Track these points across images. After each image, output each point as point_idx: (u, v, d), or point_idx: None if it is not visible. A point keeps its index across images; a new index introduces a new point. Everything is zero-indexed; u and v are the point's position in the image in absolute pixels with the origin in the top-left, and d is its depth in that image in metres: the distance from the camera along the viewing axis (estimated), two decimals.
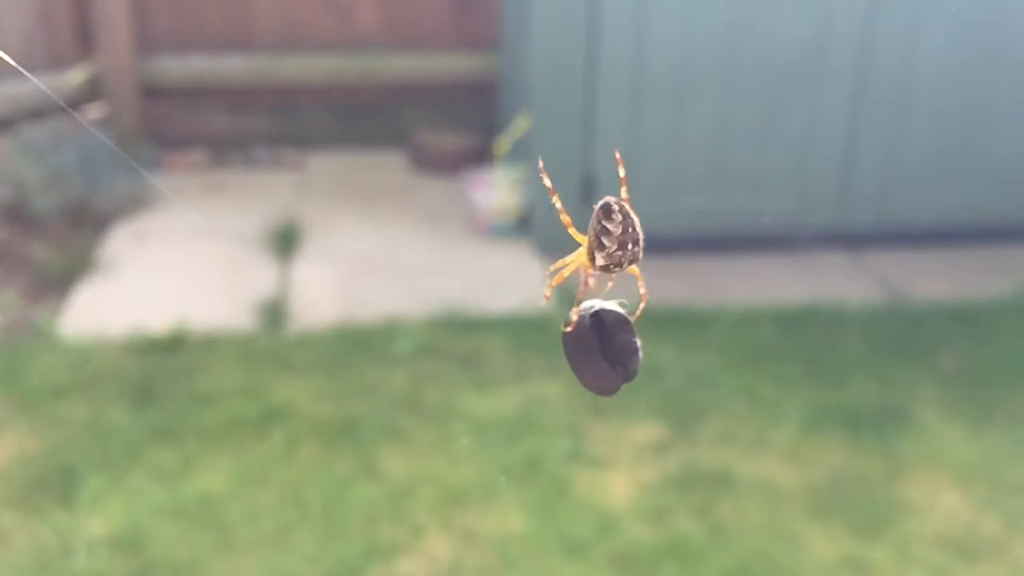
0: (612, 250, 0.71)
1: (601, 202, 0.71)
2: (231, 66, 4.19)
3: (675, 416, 2.52)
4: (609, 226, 0.70)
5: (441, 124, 4.21)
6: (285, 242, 3.41)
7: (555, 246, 3.54)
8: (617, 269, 0.72)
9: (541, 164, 0.76)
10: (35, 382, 2.59)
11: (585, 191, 3.29)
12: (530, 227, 3.45)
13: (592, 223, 0.71)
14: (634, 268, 0.73)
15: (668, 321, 2.97)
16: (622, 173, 0.73)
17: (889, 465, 2.38)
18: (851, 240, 3.49)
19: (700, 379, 2.69)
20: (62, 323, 2.89)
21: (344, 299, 3.07)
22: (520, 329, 2.90)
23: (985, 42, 3.34)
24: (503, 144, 3.71)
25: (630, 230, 0.71)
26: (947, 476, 2.34)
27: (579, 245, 0.74)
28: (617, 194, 0.73)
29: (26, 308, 2.98)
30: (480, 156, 3.97)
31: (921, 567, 2.07)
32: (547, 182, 0.74)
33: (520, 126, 3.56)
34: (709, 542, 2.12)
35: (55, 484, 2.22)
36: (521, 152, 3.60)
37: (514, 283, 3.20)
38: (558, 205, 0.73)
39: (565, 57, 3.21)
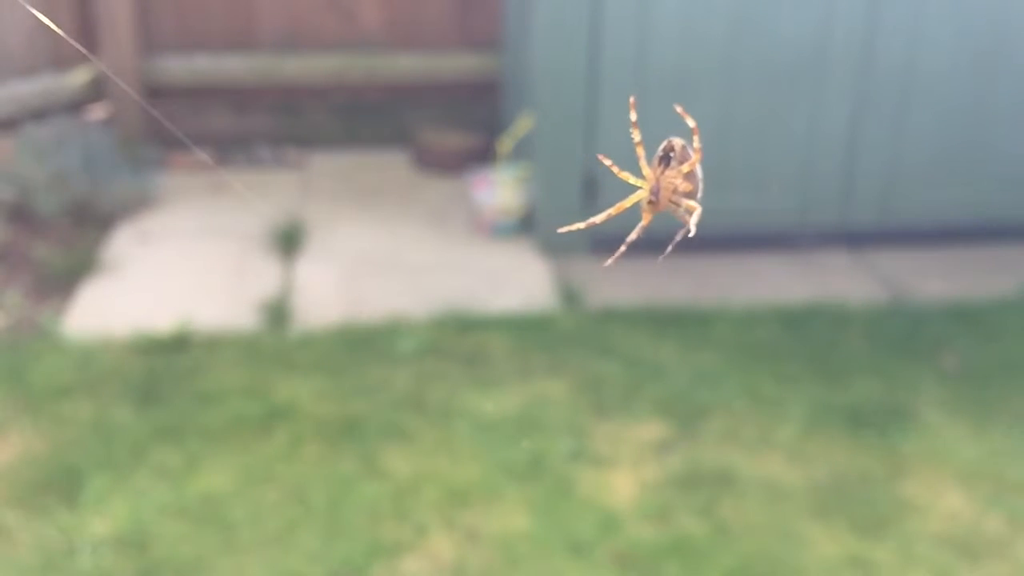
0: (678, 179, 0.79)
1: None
2: (234, 66, 4.19)
3: (678, 415, 2.52)
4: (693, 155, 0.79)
5: (444, 123, 4.21)
6: (288, 242, 3.41)
7: (557, 246, 3.56)
8: (680, 198, 0.80)
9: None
10: (39, 382, 2.60)
11: (587, 190, 3.29)
12: (533, 226, 3.45)
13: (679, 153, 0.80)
14: (692, 204, 0.80)
15: (671, 320, 2.97)
16: (691, 124, 0.79)
17: (892, 464, 2.38)
18: (853, 239, 3.49)
19: (703, 378, 2.69)
20: (66, 323, 2.89)
21: (347, 298, 3.08)
22: (523, 328, 2.90)
23: (988, 41, 3.33)
24: (506, 143, 3.71)
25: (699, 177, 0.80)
26: (950, 475, 2.34)
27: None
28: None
29: (30, 308, 2.99)
30: (483, 155, 3.97)
31: (924, 566, 2.07)
32: (633, 115, 0.81)
33: (522, 125, 3.57)
34: (712, 541, 2.12)
35: (59, 484, 2.22)
36: (524, 151, 3.60)
37: (517, 282, 3.21)
38: (637, 138, 0.80)
39: (567, 57, 3.22)
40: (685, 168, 0.79)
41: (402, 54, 4.26)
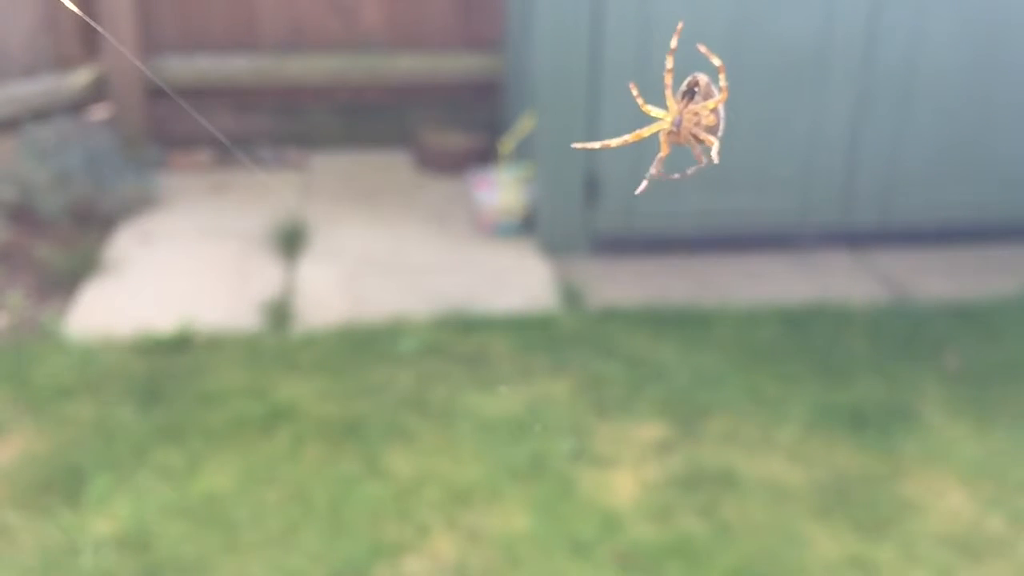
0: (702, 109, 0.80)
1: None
2: (236, 66, 4.19)
3: (679, 415, 2.53)
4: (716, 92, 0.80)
5: (445, 124, 4.21)
6: (290, 242, 3.41)
7: (559, 246, 3.55)
8: (701, 131, 0.81)
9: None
10: (42, 382, 2.60)
11: (588, 191, 3.29)
12: (534, 227, 3.45)
13: (704, 85, 0.81)
14: (711, 139, 0.81)
15: (672, 320, 2.97)
16: (717, 62, 0.80)
17: (894, 464, 2.38)
18: (855, 239, 3.49)
19: (704, 378, 2.69)
20: (68, 323, 2.90)
21: (349, 299, 3.08)
22: (524, 328, 2.90)
23: (990, 41, 3.33)
24: (507, 144, 3.71)
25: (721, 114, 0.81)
26: (952, 475, 2.35)
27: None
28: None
29: (32, 308, 2.99)
30: (484, 156, 3.98)
31: (926, 566, 2.07)
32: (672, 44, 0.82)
33: (524, 126, 3.57)
34: (713, 541, 2.13)
35: (62, 484, 2.23)
36: (525, 152, 3.60)
37: (518, 283, 3.21)
38: (669, 65, 0.81)
39: (569, 57, 3.22)
40: (711, 104, 0.81)
41: (404, 54, 4.26)
